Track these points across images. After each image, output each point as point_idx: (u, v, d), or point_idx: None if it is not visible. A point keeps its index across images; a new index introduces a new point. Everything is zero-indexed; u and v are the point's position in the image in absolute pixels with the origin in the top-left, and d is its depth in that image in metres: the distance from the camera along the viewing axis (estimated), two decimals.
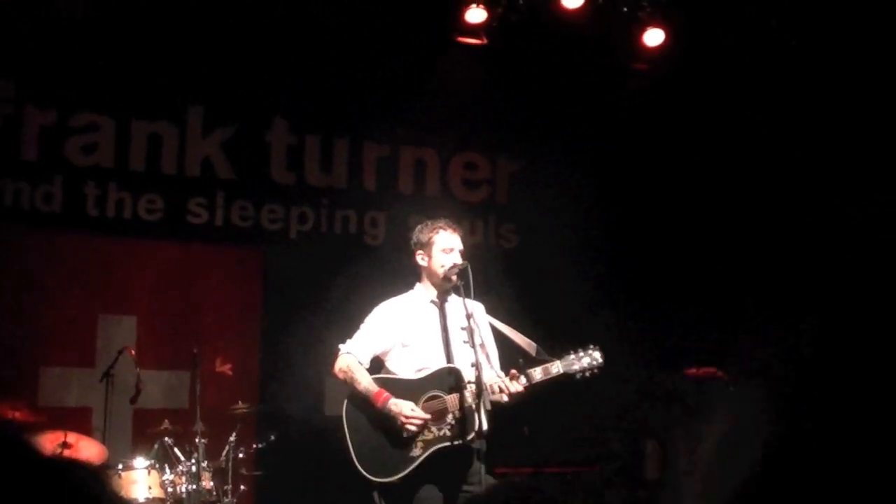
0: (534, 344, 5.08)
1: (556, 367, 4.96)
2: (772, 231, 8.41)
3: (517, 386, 4.88)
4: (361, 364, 5.06)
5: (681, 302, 8.50)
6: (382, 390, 4.92)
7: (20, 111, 7.98)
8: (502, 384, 4.88)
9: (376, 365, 5.19)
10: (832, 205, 8.07)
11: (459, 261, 5.07)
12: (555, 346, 5.12)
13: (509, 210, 9.13)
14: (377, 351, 5.14)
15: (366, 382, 4.97)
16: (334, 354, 5.15)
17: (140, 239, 8.21)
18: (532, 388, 4.93)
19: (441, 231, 5.15)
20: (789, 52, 8.02)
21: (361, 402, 4.97)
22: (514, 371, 4.92)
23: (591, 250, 8.75)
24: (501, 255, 8.83)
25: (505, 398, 4.89)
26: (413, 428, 4.83)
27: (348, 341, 5.13)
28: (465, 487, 4.91)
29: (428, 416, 4.84)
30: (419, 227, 5.25)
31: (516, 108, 8.83)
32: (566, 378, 4.97)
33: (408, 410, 4.84)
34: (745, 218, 8.55)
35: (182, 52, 8.11)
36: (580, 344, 5.07)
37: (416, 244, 5.21)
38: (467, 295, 4.93)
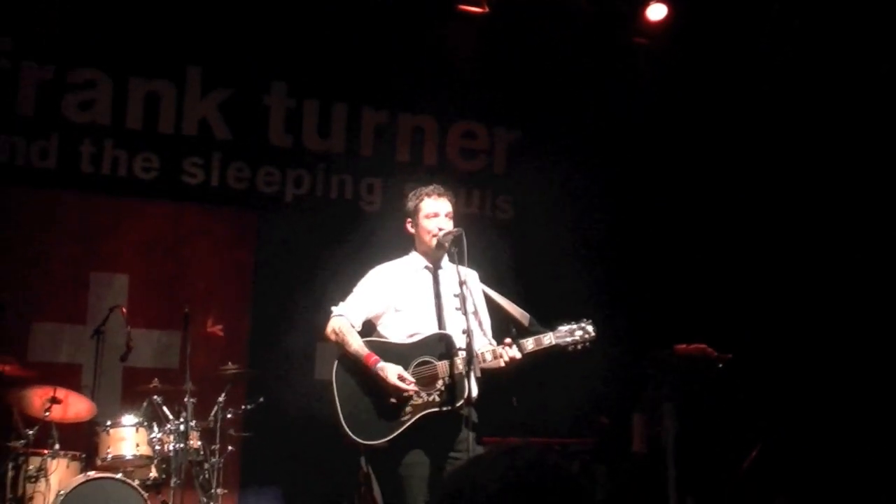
0: (527, 315, 5.07)
1: (549, 339, 4.96)
2: (771, 208, 8.40)
3: (514, 352, 4.88)
4: (353, 327, 5.05)
5: (675, 277, 8.51)
6: (372, 353, 4.92)
7: (17, 66, 7.95)
8: (497, 350, 4.88)
9: (367, 329, 5.18)
10: (833, 183, 8.07)
11: (445, 224, 5.06)
12: (547, 319, 5.12)
13: (506, 181, 9.12)
14: (370, 314, 5.13)
15: (356, 345, 4.96)
16: (326, 316, 5.14)
17: (135, 198, 8.20)
18: (526, 358, 4.93)
19: (426, 198, 5.13)
20: (792, 29, 7.98)
21: (352, 364, 4.96)
22: (507, 340, 4.92)
23: (587, 223, 8.74)
24: (497, 226, 8.82)
25: (502, 363, 4.89)
26: (402, 389, 4.82)
27: (341, 304, 5.12)
28: (452, 454, 4.91)
29: (413, 388, 4.83)
30: (409, 195, 5.25)
31: (516, 78, 8.81)
32: (558, 350, 4.97)
33: (394, 377, 4.83)
34: (745, 193, 8.53)
35: (182, 11, 8.07)
36: (573, 317, 5.07)
37: (406, 212, 5.22)
38: (461, 262, 4.92)
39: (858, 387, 7.76)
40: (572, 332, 4.98)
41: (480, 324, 5.12)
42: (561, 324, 5.01)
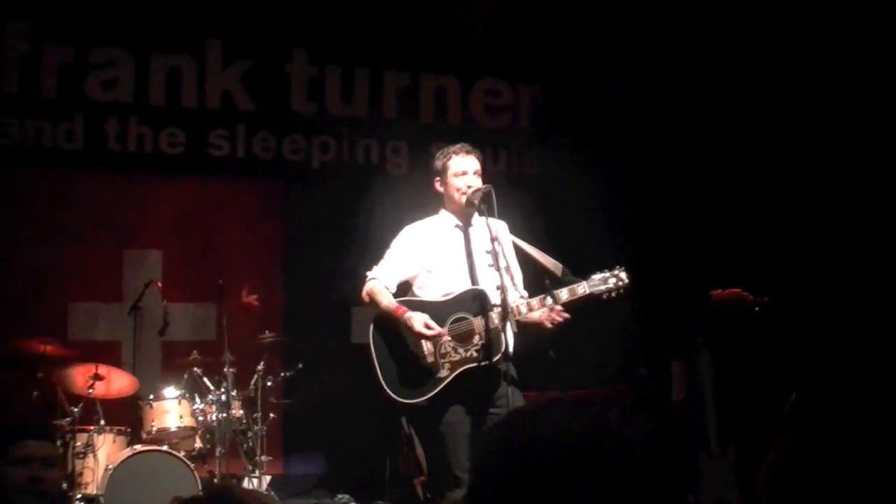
0: (560, 265, 5.07)
1: (583, 288, 4.96)
2: (813, 151, 8.28)
3: (550, 303, 4.88)
4: (388, 288, 5.08)
5: (708, 223, 8.44)
6: (401, 305, 4.94)
7: (39, 49, 7.98)
8: (532, 302, 4.90)
9: (403, 290, 5.20)
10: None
11: (473, 182, 5.07)
12: (582, 271, 5.11)
13: (532, 137, 9.07)
14: (404, 275, 5.15)
15: (386, 301, 4.99)
16: (362, 282, 5.16)
17: (162, 173, 8.26)
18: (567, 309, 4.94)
19: (453, 156, 5.14)
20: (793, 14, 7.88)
21: (388, 325, 4.99)
22: (541, 297, 4.94)
23: (615, 174, 8.67)
24: (525, 182, 8.78)
25: (535, 316, 4.92)
26: (427, 336, 4.84)
27: (375, 268, 5.15)
28: (493, 410, 4.93)
29: (439, 332, 4.84)
30: (437, 154, 5.26)
31: (537, 31, 8.72)
32: (593, 299, 4.97)
33: (420, 325, 4.83)
34: (774, 140, 8.42)
35: None
36: (607, 267, 5.07)
37: (434, 172, 5.22)
38: (491, 216, 4.93)
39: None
40: (606, 280, 4.98)
41: (512, 277, 5.12)
42: (594, 272, 5.00)
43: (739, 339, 7.62)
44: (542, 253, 5.16)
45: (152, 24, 8.13)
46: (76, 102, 8.05)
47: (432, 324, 4.85)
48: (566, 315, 4.91)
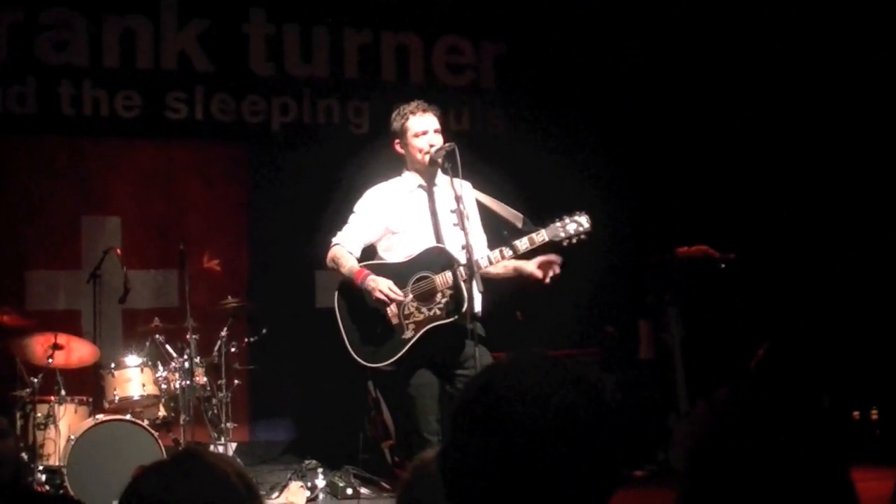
0: (520, 215, 4.94)
1: (542, 236, 4.83)
2: (773, 105, 8.25)
3: (508, 253, 4.80)
4: (351, 253, 4.98)
5: (675, 179, 8.41)
6: (363, 269, 4.85)
7: None
8: (493, 255, 4.80)
9: (369, 253, 5.12)
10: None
11: (435, 140, 4.94)
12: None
13: (495, 95, 8.96)
14: (368, 239, 5.06)
15: (348, 266, 4.91)
16: (327, 248, 5.07)
17: (119, 137, 8.08)
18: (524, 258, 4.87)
19: (411, 116, 5.00)
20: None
21: (352, 289, 4.91)
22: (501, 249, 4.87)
23: (580, 132, 8.61)
24: (488, 141, 8.68)
25: (501, 269, 4.85)
26: (389, 300, 4.75)
27: (339, 233, 5.05)
28: (460, 372, 4.87)
29: (401, 297, 4.76)
30: (393, 115, 5.11)
31: None
32: (553, 247, 4.86)
33: (385, 287, 4.76)
34: (744, 94, 8.37)
35: None
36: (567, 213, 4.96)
37: (392, 134, 5.09)
38: (455, 176, 4.82)
39: (862, 279, 7.73)
40: (565, 227, 4.86)
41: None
42: (553, 219, 4.89)
43: (706, 296, 7.61)
44: (501, 204, 5.05)
45: None
46: (27, 65, 7.84)
47: (396, 289, 4.77)
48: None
